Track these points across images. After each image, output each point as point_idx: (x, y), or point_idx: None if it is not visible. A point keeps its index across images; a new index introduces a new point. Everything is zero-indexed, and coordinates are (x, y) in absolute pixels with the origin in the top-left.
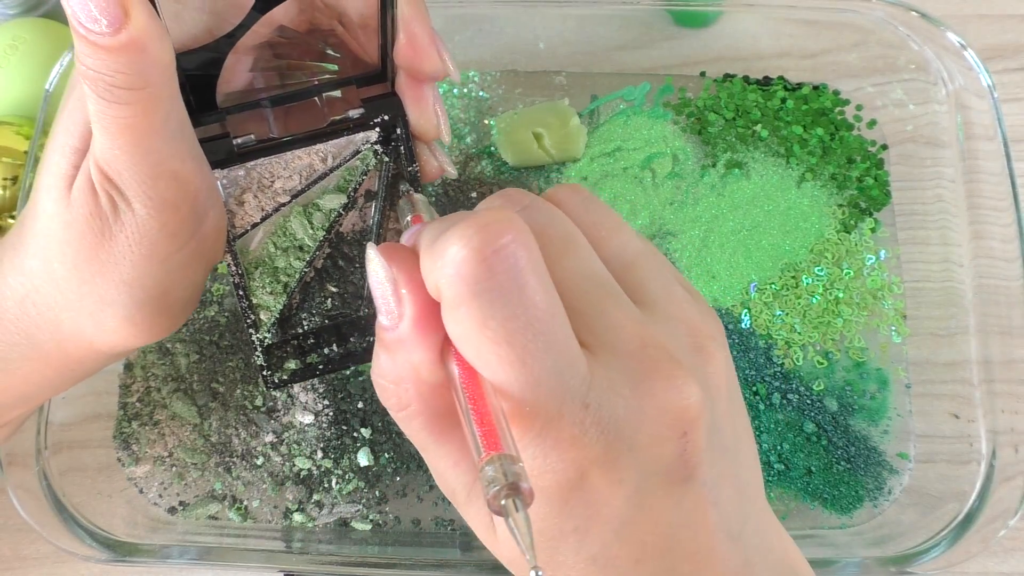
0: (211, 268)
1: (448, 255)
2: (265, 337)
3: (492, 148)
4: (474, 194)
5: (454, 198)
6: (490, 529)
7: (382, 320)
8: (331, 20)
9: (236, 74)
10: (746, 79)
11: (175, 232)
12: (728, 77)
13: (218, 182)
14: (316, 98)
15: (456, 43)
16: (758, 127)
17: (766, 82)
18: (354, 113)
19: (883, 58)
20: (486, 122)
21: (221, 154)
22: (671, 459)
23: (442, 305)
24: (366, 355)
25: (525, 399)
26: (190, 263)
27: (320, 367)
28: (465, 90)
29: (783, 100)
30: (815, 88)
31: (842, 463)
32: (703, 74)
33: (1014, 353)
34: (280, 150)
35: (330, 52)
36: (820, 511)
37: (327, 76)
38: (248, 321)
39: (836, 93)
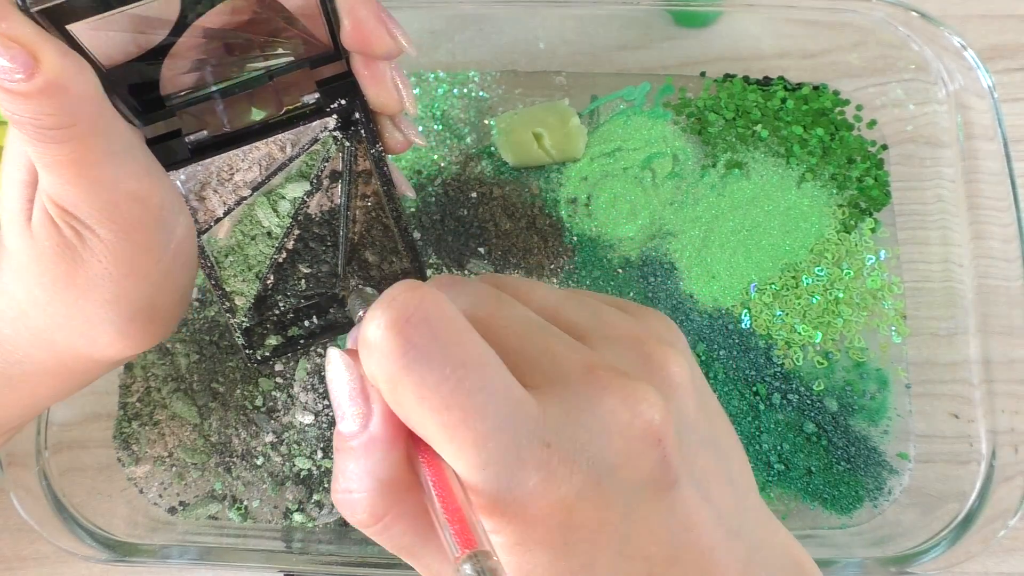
0: (196, 268)
1: (369, 341)
2: (243, 321)
3: (492, 148)
4: (474, 194)
5: (454, 197)
6: None
7: (346, 427)
8: (270, 14)
9: (180, 71)
10: (746, 79)
11: (148, 247)
12: (728, 77)
13: (177, 180)
14: (270, 84)
15: (456, 43)
16: (758, 127)
17: (766, 82)
18: (309, 99)
19: (883, 58)
20: (486, 122)
21: (174, 155)
22: (651, 470)
23: (382, 392)
24: (347, 326)
25: (481, 461)
26: (171, 270)
27: (302, 340)
28: (465, 90)
29: (783, 100)
30: (815, 88)
31: (842, 463)
32: (703, 74)
33: (1014, 353)
34: (236, 144)
35: (278, 40)
36: (820, 511)
37: (279, 61)
38: (224, 307)
39: (836, 93)
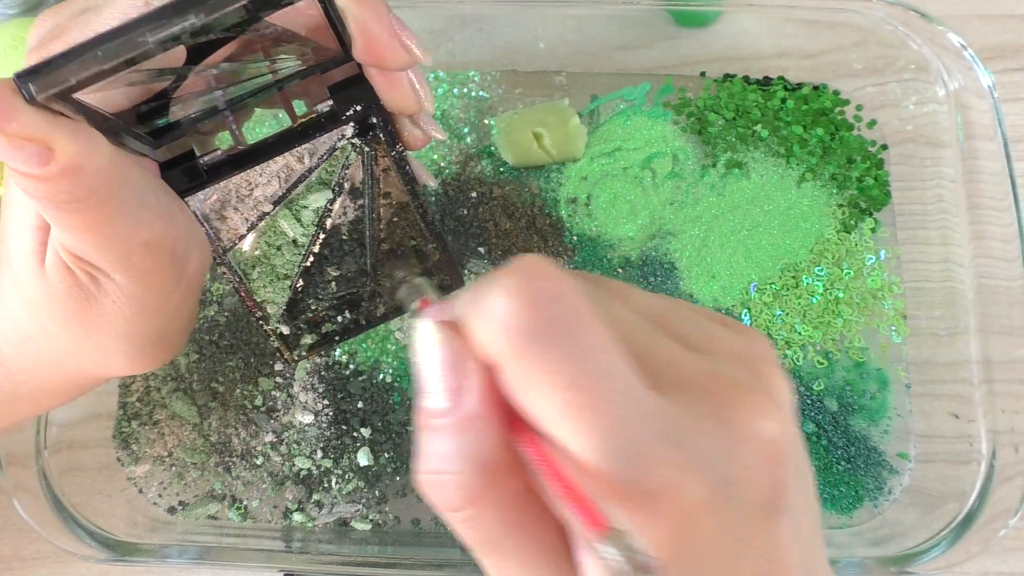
0: (202, 287)
1: (495, 309)
2: (277, 327)
3: (492, 148)
4: (473, 194)
5: (454, 197)
6: None
7: (436, 403)
8: (277, 32)
9: (187, 96)
10: (746, 79)
11: (161, 288)
12: (728, 77)
13: (196, 203)
14: (280, 93)
15: (456, 43)
16: (758, 127)
17: (766, 82)
18: (323, 107)
19: (883, 58)
20: (486, 122)
21: (189, 179)
22: (766, 490)
23: (498, 367)
24: (380, 319)
25: (605, 447)
26: (183, 301)
27: (337, 335)
28: (465, 90)
29: (783, 100)
30: (815, 88)
31: (842, 463)
32: (703, 74)
33: (1014, 353)
34: (252, 163)
35: (285, 49)
36: (820, 511)
37: (287, 67)
38: (256, 316)
39: (836, 93)
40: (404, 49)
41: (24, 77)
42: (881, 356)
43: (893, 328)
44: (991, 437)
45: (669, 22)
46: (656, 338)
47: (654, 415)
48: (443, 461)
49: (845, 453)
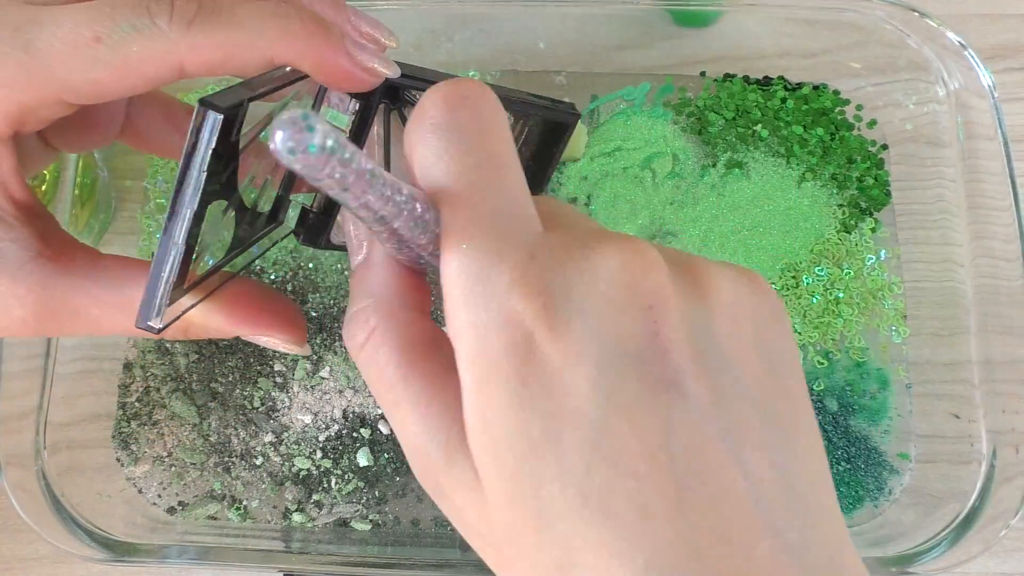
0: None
1: (419, 105)
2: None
3: None
4: None
5: None
6: (475, 490)
7: (352, 254)
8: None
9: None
10: (746, 79)
11: None
12: (728, 77)
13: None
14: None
15: (456, 43)
16: (758, 127)
17: (766, 82)
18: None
19: (883, 58)
20: None
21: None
22: (638, 336)
23: (407, 151)
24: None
25: (467, 235)
26: None
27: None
28: None
29: (783, 100)
30: (815, 88)
31: (842, 463)
32: (703, 74)
33: (1014, 353)
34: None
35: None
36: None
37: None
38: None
39: (836, 93)
40: (365, 72)
41: None
42: (881, 356)
43: (893, 328)
44: (992, 437)
45: (669, 22)
46: (567, 206)
47: (525, 228)
48: (353, 300)
49: (845, 453)
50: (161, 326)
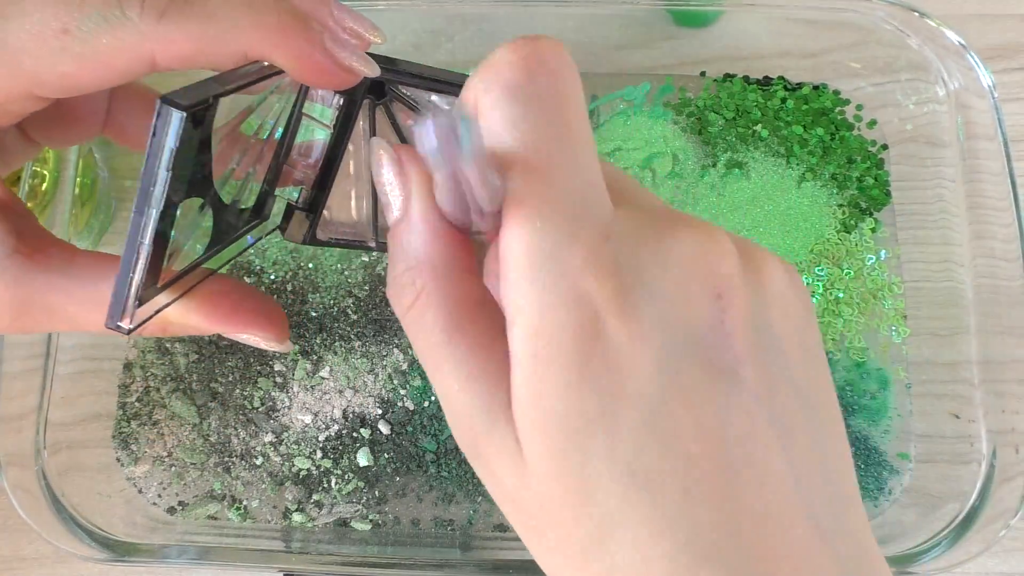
0: None
1: (491, 61)
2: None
3: None
4: None
5: None
6: (514, 458)
7: (391, 213)
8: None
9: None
10: (746, 79)
11: None
12: (728, 77)
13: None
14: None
15: (456, 43)
16: (758, 127)
17: (766, 82)
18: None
19: (883, 58)
20: None
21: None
22: (704, 323)
23: (479, 113)
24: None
25: (541, 214)
26: None
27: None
28: None
29: (783, 100)
30: (815, 88)
31: None
32: (703, 74)
33: (1014, 353)
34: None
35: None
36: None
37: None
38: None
39: (836, 93)
40: (344, 70)
41: None
42: (881, 356)
43: (893, 328)
44: (991, 437)
45: (669, 22)
46: (637, 182)
47: (599, 208)
48: (397, 261)
49: None
50: (131, 327)
